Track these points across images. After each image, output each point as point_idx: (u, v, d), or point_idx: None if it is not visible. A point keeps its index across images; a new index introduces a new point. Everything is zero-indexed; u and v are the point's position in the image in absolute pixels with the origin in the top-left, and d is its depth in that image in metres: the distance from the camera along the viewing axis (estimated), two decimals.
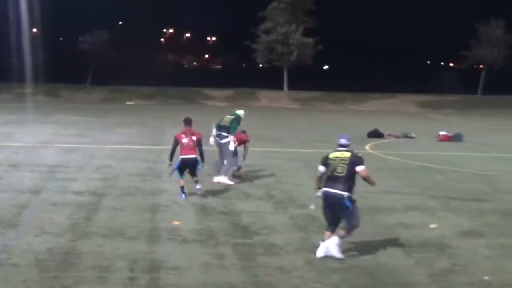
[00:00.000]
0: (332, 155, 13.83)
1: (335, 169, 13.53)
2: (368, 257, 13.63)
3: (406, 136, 39.45)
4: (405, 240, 15.01)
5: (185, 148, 19.16)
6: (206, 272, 12.36)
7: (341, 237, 13.55)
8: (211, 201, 18.66)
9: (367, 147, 33.60)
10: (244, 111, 22.90)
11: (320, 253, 13.45)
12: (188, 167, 19.24)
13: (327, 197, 13.59)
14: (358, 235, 15.21)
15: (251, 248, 14.02)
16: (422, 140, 37.81)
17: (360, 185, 21.81)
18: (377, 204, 18.93)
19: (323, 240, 13.62)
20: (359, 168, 13.55)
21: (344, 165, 13.48)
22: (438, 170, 25.93)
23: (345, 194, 13.39)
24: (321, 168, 13.87)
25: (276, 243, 14.36)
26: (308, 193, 19.85)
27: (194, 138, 19.26)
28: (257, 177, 22.95)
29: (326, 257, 13.34)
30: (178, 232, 15.11)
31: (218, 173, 21.49)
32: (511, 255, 14.10)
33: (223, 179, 21.25)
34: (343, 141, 14.20)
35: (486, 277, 12.42)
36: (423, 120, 55.47)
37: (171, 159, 19.38)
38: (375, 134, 38.82)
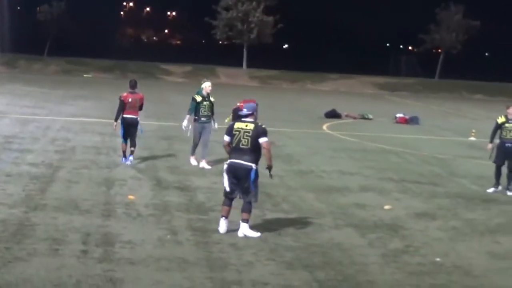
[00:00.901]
0: (237, 125, 13.44)
1: (239, 141, 13.32)
2: (322, 236, 13.67)
3: (363, 117, 39.67)
4: (359, 221, 15.08)
5: (128, 109, 19.80)
6: (160, 247, 12.31)
7: (246, 221, 13.42)
8: (166, 175, 18.60)
9: (324, 127, 33.73)
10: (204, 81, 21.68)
11: (222, 229, 13.39)
12: (129, 128, 19.76)
13: (232, 168, 13.39)
14: (313, 214, 15.30)
15: (205, 224, 13.98)
16: (379, 122, 38.05)
17: (317, 164, 22.00)
18: (333, 184, 19.02)
19: (224, 217, 13.47)
20: (261, 140, 13.33)
21: (248, 138, 13.27)
22: (395, 152, 26.10)
23: (253, 165, 13.25)
24: (226, 138, 13.57)
25: (231, 220, 14.32)
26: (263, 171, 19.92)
27: (137, 99, 19.90)
28: (212, 153, 22.91)
29: (280, 235, 13.38)
30: (133, 206, 15.04)
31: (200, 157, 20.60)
32: (463, 237, 14.24)
33: (205, 163, 20.51)
34: (244, 111, 13.57)
35: (437, 259, 12.52)
36: (380, 102, 55.79)
37: (116, 120, 20.01)
38: (333, 114, 38.97)
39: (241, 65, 77.97)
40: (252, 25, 76.31)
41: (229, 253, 12.16)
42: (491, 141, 19.56)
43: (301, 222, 14.58)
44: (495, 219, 15.98)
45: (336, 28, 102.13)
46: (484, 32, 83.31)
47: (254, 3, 75.92)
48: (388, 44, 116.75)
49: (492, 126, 19.86)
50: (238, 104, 14.10)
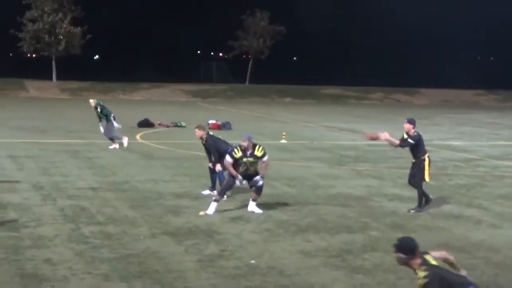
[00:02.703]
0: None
1: None
2: (139, 245, 13.68)
3: (176, 125, 39.84)
4: (175, 228, 15.19)
5: None
6: None
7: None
8: None
9: (138, 136, 33.64)
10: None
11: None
12: None
13: None
14: (128, 224, 15.27)
15: (18, 241, 13.68)
16: (192, 129, 38.19)
17: (131, 174, 21.92)
18: (147, 193, 19.01)
19: None
20: None
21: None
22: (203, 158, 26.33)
23: None
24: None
25: (45, 235, 14.10)
26: (77, 183, 19.69)
27: None
28: (23, 168, 22.42)
29: (95, 248, 13.29)
30: None
31: None
32: (276, 238, 14.62)
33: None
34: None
35: (252, 261, 12.81)
36: (193, 109, 56.14)
37: None
38: (146, 124, 38.92)
39: (51, 78, 76.40)
40: (60, 37, 74.94)
41: (43, 269, 11.97)
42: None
43: (116, 233, 14.52)
44: (305, 219, 16.49)
45: (145, 36, 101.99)
46: (290, 37, 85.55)
47: (60, 15, 74.54)
48: (199, 52, 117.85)
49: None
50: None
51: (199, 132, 19.48)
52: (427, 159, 17.75)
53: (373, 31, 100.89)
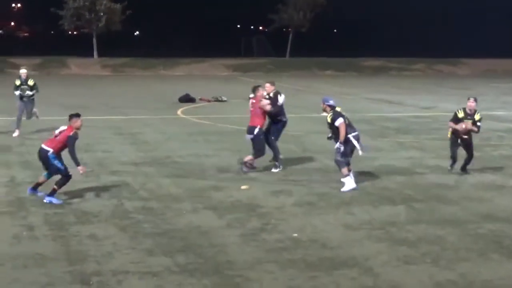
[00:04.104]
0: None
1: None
2: (181, 220, 13.75)
3: (217, 100, 39.85)
4: (217, 203, 15.22)
5: None
6: (16, 244, 12.10)
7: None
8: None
9: (179, 112, 33.72)
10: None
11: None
12: None
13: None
14: (171, 200, 15.34)
15: (63, 218, 13.82)
16: (233, 103, 38.29)
17: (173, 149, 22.01)
18: (189, 168, 19.06)
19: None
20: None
21: None
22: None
23: None
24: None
25: (89, 211, 14.23)
26: (119, 159, 19.80)
27: None
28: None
29: (139, 223, 13.38)
30: None
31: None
32: (318, 211, 14.60)
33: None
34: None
35: (295, 234, 12.81)
36: (233, 84, 56.11)
37: None
38: (187, 99, 38.94)
39: (92, 55, 76.78)
40: (100, 14, 75.18)
41: (88, 245, 12.08)
42: None
43: (159, 208, 14.60)
44: (348, 191, 16.42)
45: (186, 11, 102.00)
46: (330, 9, 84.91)
47: None
48: (238, 26, 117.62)
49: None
50: None
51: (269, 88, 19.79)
52: None
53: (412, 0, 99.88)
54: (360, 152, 16.95)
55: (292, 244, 12.26)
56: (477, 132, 18.24)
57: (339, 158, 16.69)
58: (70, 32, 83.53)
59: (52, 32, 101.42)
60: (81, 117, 15.69)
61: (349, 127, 16.95)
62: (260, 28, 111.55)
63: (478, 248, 12.16)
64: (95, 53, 76.88)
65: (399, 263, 11.40)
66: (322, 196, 15.96)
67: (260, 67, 74.75)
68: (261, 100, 18.84)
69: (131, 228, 13.14)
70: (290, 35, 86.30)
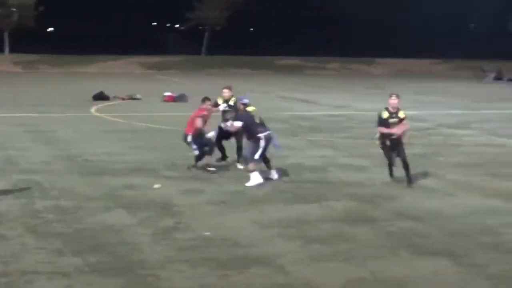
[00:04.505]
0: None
1: None
2: (93, 219, 13.57)
3: (131, 98, 39.55)
4: (130, 201, 15.08)
5: None
6: None
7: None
8: None
9: (93, 109, 33.36)
10: None
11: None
12: None
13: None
14: (83, 199, 15.14)
15: None
16: (147, 101, 38.08)
17: (86, 148, 21.75)
18: (102, 167, 18.87)
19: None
20: None
21: None
22: (164, 131, 26.24)
23: None
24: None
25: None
26: (31, 158, 19.47)
27: None
28: None
29: (49, 223, 13.18)
30: None
31: None
32: (230, 210, 14.58)
33: None
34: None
35: (207, 233, 12.77)
36: (148, 82, 55.80)
37: None
38: (101, 97, 38.55)
39: (3, 51, 75.35)
40: (12, 9, 73.78)
41: None
42: None
43: (70, 207, 14.40)
44: (260, 190, 16.45)
45: (101, 8, 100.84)
46: (246, 7, 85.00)
47: None
48: (154, 23, 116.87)
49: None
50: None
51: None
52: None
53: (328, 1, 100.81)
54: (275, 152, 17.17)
55: (205, 243, 12.23)
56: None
57: (249, 155, 16.93)
58: None
59: None
60: None
61: (261, 126, 17.07)
62: (176, 26, 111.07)
63: (389, 246, 12.32)
64: (6, 49, 75.48)
65: (311, 261, 11.47)
66: (235, 194, 15.97)
67: (175, 65, 74.51)
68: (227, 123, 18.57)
69: (40, 227, 12.92)
70: (206, 33, 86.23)
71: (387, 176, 17.73)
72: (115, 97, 39.27)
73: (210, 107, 18.73)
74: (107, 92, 39.45)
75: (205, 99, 18.68)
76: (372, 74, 74.10)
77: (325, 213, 14.53)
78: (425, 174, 18.73)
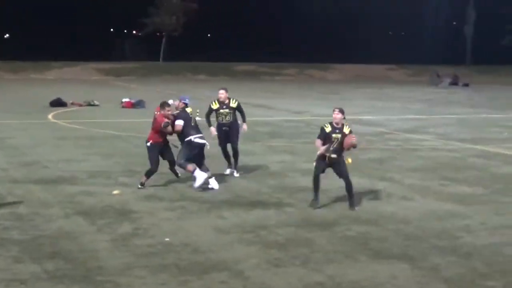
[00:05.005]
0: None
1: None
2: (51, 226, 13.51)
3: (89, 104, 39.40)
4: (88, 208, 15.03)
5: None
6: None
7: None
8: None
9: (50, 116, 33.16)
10: None
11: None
12: None
13: None
14: (40, 205, 15.05)
15: None
16: (105, 108, 37.94)
17: (42, 154, 21.62)
18: (60, 174, 18.78)
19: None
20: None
21: None
22: (121, 137, 26.20)
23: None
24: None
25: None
26: None
27: None
28: None
29: (5, 230, 13.09)
30: None
31: None
32: (189, 216, 14.59)
33: None
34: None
35: (167, 239, 12.78)
36: (106, 88, 55.59)
37: None
38: (58, 103, 38.37)
39: None
40: None
41: None
42: (209, 125, 19.45)
43: (28, 214, 14.31)
44: (220, 195, 16.51)
45: (57, 14, 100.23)
46: (203, 14, 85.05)
47: None
48: (111, 29, 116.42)
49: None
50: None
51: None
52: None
53: (285, 7, 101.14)
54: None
55: (164, 249, 12.23)
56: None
57: (181, 161, 16.98)
58: None
59: None
60: None
61: (194, 129, 17.14)
62: (134, 32, 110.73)
63: (346, 250, 12.42)
64: None
65: (269, 265, 11.52)
66: (194, 200, 15.99)
67: (133, 71, 74.34)
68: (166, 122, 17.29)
69: None
70: (163, 39, 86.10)
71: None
72: (72, 103, 39.10)
73: (169, 113, 17.51)
74: (64, 99, 39.25)
75: (164, 104, 17.53)
76: (328, 79, 74.52)
77: (283, 218, 14.60)
78: (381, 178, 18.93)
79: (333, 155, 15.44)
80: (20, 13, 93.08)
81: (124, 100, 38.96)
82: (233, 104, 19.38)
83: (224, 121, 19.23)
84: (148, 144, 17.26)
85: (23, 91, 50.53)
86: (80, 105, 39.06)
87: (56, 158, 21.20)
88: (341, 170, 15.61)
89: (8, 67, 71.34)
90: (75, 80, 64.81)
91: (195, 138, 17.10)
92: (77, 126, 29.46)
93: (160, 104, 17.55)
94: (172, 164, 17.53)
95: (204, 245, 12.48)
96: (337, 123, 15.60)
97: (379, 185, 18.09)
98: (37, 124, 29.91)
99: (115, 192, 16.49)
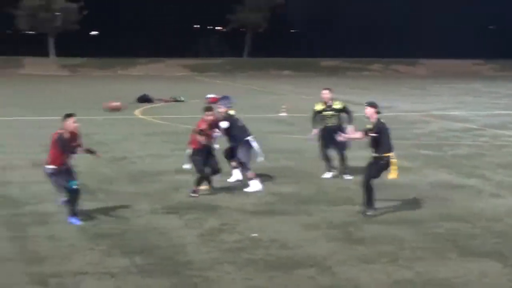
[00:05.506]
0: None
1: None
2: (139, 221, 13.69)
3: (175, 100, 39.76)
4: (176, 203, 15.19)
5: None
6: None
7: None
8: None
9: (137, 112, 33.59)
10: None
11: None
12: None
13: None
14: (129, 200, 15.27)
15: (20, 218, 13.71)
16: (191, 104, 38.23)
17: (130, 150, 21.92)
18: (147, 169, 19.00)
19: None
20: None
21: None
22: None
23: None
24: None
25: (47, 212, 14.11)
26: (78, 160, 19.66)
27: None
28: (22, 145, 22.43)
29: (97, 224, 13.33)
30: None
31: None
32: (276, 212, 14.61)
33: None
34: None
35: (254, 234, 12.82)
36: (191, 84, 56.05)
37: None
38: (145, 99, 38.82)
39: (48, 55, 76.17)
40: (56, 13, 74.53)
41: (46, 246, 11.99)
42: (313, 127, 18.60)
43: (117, 209, 14.53)
44: (306, 191, 16.50)
45: (143, 11, 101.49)
46: (288, 9, 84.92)
47: None
48: (196, 26, 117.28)
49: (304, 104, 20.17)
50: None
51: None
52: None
53: (370, 2, 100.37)
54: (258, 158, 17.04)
55: (251, 244, 12.28)
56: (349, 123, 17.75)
57: (245, 160, 16.74)
58: (26, 32, 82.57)
59: (8, 31, 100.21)
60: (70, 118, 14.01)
61: (242, 130, 17.03)
62: (218, 28, 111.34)
63: (435, 247, 12.27)
64: (51, 53, 76.28)
65: (356, 261, 11.47)
66: (281, 196, 16.00)
67: (217, 67, 74.76)
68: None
69: (89, 229, 13.06)
70: (247, 35, 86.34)
71: (434, 177, 17.67)
72: (159, 100, 39.49)
73: (210, 118, 16.19)
74: (151, 94, 39.70)
75: (206, 108, 16.44)
76: (415, 74, 73.70)
77: (375, 215, 14.47)
78: (470, 175, 18.63)
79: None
80: (106, 10, 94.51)
81: (209, 96, 39.17)
82: (337, 105, 18.25)
83: (329, 124, 18.04)
84: (191, 150, 16.28)
85: (110, 87, 51.31)
86: (166, 101, 39.46)
87: (144, 154, 21.46)
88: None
89: (96, 64, 72.56)
90: (160, 77, 65.50)
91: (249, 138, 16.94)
92: (164, 122, 29.77)
93: (204, 108, 16.54)
94: (214, 172, 16.41)
95: (292, 241, 12.48)
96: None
97: (468, 182, 17.81)
98: (124, 120, 30.34)
99: (203, 187, 16.33)
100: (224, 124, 16.54)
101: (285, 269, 11.07)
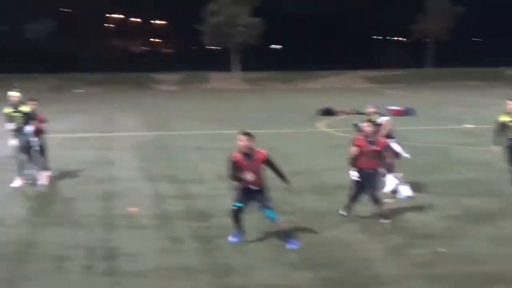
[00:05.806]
0: None
1: None
2: (326, 234, 13.69)
3: (358, 113, 39.60)
4: (359, 216, 15.04)
5: None
6: (163, 256, 12.33)
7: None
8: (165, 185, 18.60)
9: (320, 125, 33.70)
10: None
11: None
12: None
13: None
14: (315, 214, 15.29)
15: (207, 231, 14.00)
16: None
17: (315, 163, 21.97)
18: (332, 182, 18.96)
19: None
20: None
21: None
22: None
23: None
24: None
25: (230, 224, 14.35)
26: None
27: None
28: (208, 159, 22.93)
29: (280, 237, 13.41)
30: (134, 218, 15.05)
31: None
32: (464, 226, 14.24)
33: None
34: None
35: (442, 249, 12.54)
36: (372, 96, 55.71)
37: None
38: (328, 112, 38.92)
39: (231, 69, 77.94)
40: (240, 28, 76.18)
41: (233, 258, 12.18)
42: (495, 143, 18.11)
43: (303, 222, 14.57)
44: (495, 204, 16.00)
45: (320, 24, 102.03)
46: (468, 18, 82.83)
47: (240, 7, 75.77)
48: (375, 37, 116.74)
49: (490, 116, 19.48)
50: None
51: None
52: None
53: None
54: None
55: (439, 259, 12.03)
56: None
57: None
58: (210, 48, 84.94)
59: (194, 47, 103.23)
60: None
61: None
62: (397, 38, 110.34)
63: None
64: (234, 67, 78.01)
65: None
66: (468, 209, 15.59)
67: (398, 78, 74.09)
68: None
69: (275, 242, 13.17)
70: (430, 45, 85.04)
71: None
72: (341, 112, 39.44)
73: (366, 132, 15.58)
74: (333, 107, 39.73)
75: (355, 125, 15.69)
76: None
77: None
78: None
79: None
80: (286, 24, 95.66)
81: (390, 107, 38.75)
82: None
83: None
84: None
85: (293, 100, 51.80)
86: (348, 113, 39.35)
87: (327, 167, 21.46)
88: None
89: (278, 77, 73.57)
90: (340, 89, 65.54)
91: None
92: (347, 135, 29.68)
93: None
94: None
95: (481, 256, 12.13)
96: None
97: None
98: (307, 133, 30.49)
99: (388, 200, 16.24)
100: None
101: (475, 285, 10.76)
